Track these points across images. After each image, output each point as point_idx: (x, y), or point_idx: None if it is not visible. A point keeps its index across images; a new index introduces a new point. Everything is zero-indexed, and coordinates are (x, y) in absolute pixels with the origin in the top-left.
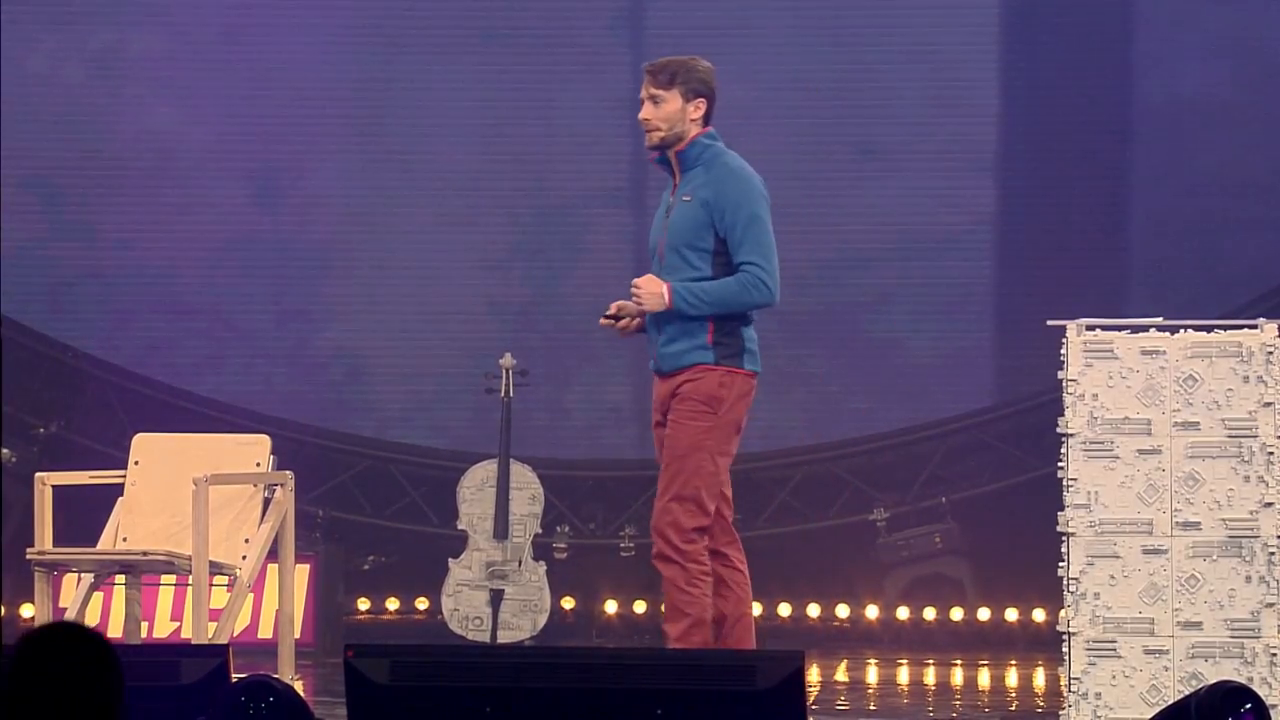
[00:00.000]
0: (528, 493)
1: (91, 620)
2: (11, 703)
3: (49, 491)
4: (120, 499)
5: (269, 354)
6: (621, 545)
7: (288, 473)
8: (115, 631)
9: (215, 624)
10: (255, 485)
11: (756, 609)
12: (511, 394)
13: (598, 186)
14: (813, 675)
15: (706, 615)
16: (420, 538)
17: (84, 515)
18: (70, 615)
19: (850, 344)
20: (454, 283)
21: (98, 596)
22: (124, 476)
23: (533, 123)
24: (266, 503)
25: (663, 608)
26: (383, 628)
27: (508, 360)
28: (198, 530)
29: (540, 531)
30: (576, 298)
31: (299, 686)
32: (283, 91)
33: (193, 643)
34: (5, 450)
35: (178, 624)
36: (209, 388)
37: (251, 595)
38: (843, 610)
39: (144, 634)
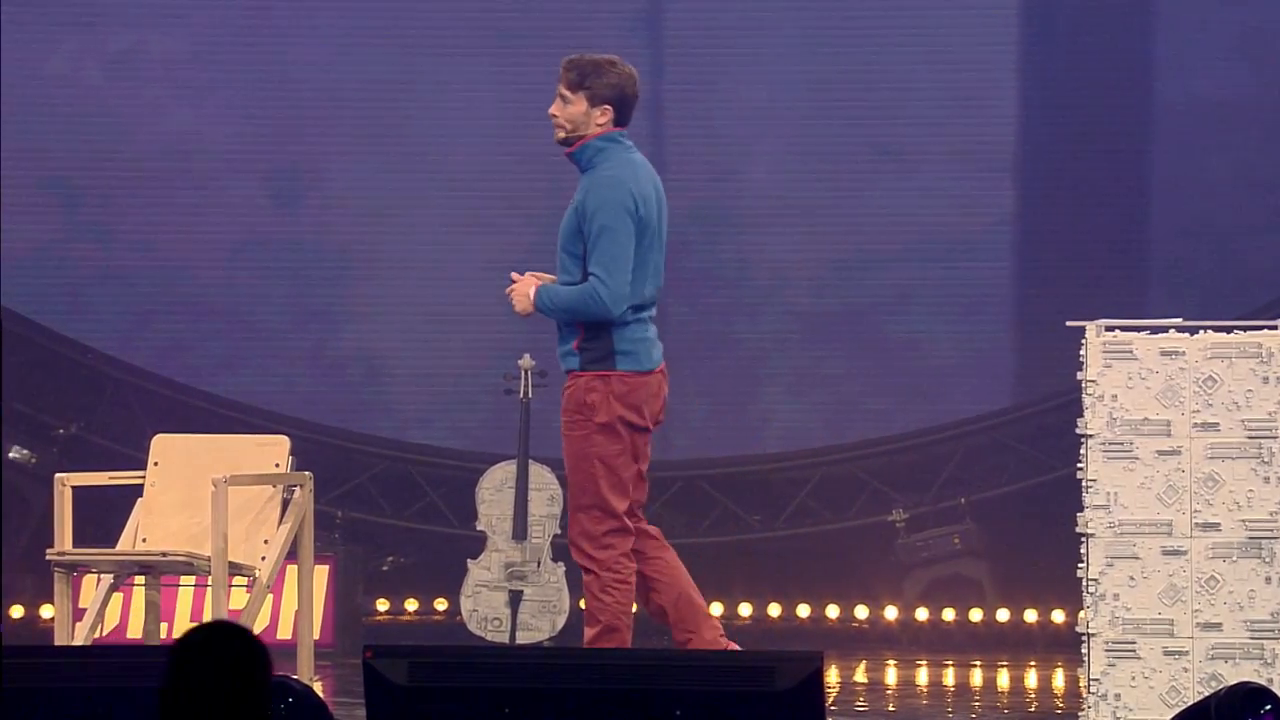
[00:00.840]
0: (547, 494)
1: (111, 621)
2: (173, 696)
3: (68, 492)
4: (139, 500)
5: (288, 355)
6: None
7: (307, 474)
8: (135, 632)
9: None
10: (274, 486)
11: (775, 609)
12: (530, 395)
13: None
14: (832, 676)
15: (619, 622)
16: (439, 538)
17: (103, 516)
18: (89, 616)
19: (869, 345)
20: (473, 283)
21: (117, 597)
22: (143, 477)
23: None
24: (286, 503)
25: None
26: (401, 628)
27: (527, 361)
28: (217, 531)
29: (559, 532)
30: None
31: (318, 687)
32: (301, 92)
33: None
34: (25, 451)
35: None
36: (228, 388)
37: (271, 596)
38: (861, 611)
39: (163, 635)
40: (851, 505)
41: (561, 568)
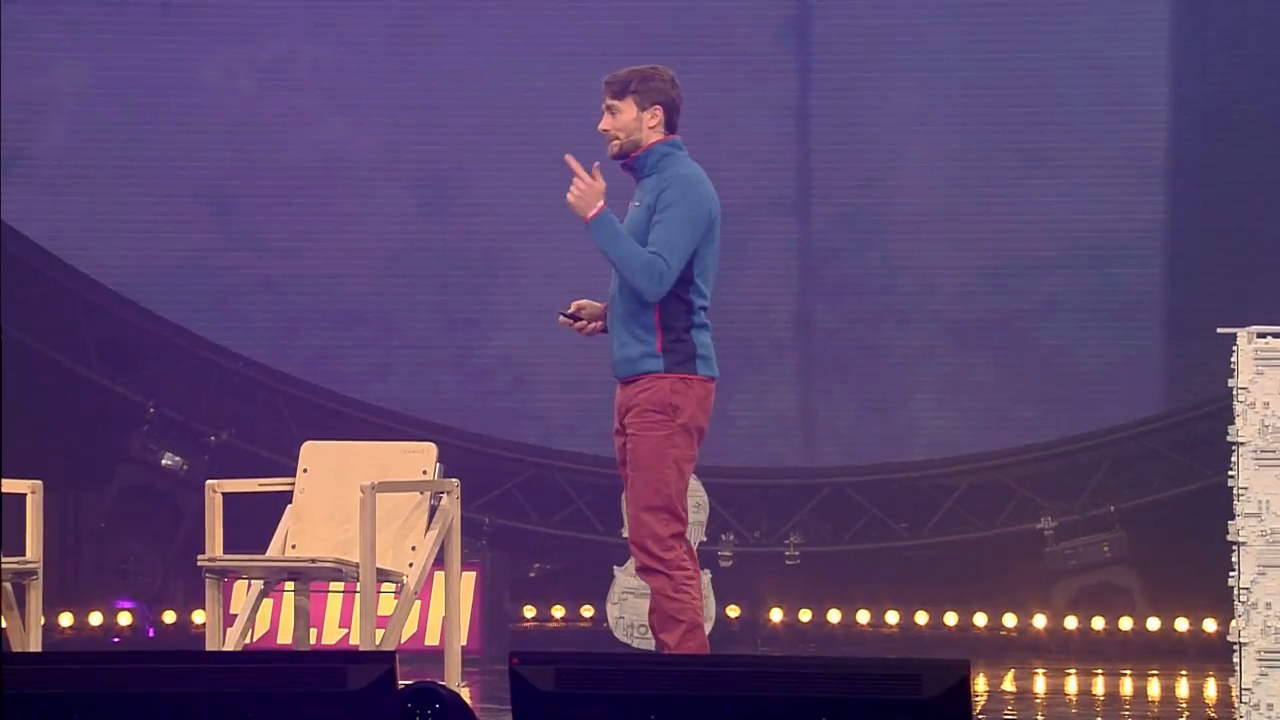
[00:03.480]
0: (692, 500)
1: (261, 627)
2: None
3: (219, 499)
4: (289, 506)
5: (436, 362)
6: (787, 553)
7: (454, 480)
8: (284, 638)
9: (382, 631)
10: (422, 493)
11: (922, 617)
12: None
13: (763, 194)
14: (979, 685)
15: (699, 618)
16: (585, 545)
17: (254, 522)
18: (240, 622)
19: (1017, 352)
20: None
21: (267, 603)
22: (293, 484)
23: (698, 131)
24: (433, 510)
25: (651, 616)
26: (548, 635)
27: None
28: (365, 537)
29: (705, 539)
30: (741, 305)
31: (465, 693)
32: (450, 101)
33: (360, 649)
34: (177, 458)
35: (345, 630)
36: (376, 395)
37: (418, 602)
38: (1010, 619)
39: (312, 640)
40: (1000, 513)
41: (707, 575)
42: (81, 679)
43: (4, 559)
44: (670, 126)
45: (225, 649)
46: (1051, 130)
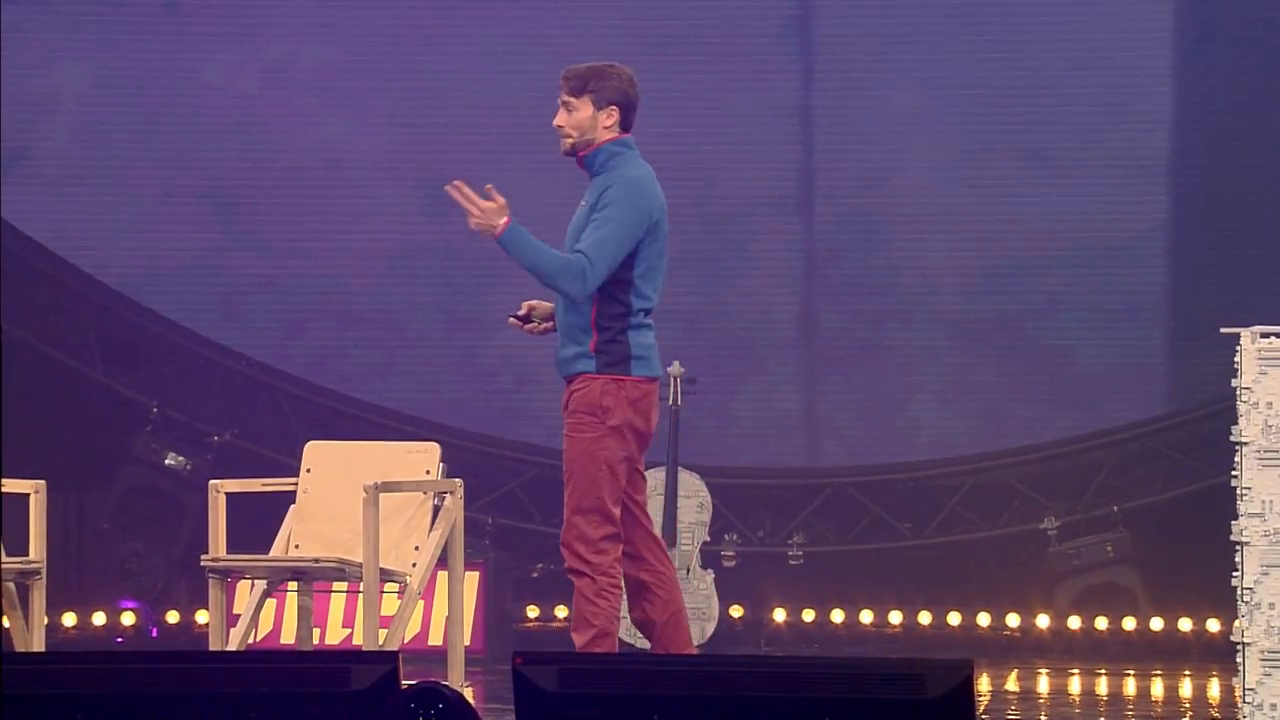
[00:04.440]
0: (695, 500)
1: (264, 627)
2: None
3: (222, 499)
4: (292, 506)
5: (438, 361)
6: (790, 554)
7: (457, 480)
8: (288, 638)
9: (386, 631)
10: (425, 493)
11: (926, 618)
12: (679, 402)
13: (765, 194)
14: (983, 685)
15: (611, 627)
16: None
17: (257, 522)
18: (243, 622)
19: (1020, 351)
20: None
21: (270, 603)
22: (296, 484)
23: (700, 130)
24: (436, 510)
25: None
26: (552, 635)
27: (676, 368)
28: (368, 537)
29: (708, 539)
30: (744, 305)
31: (468, 693)
32: (453, 101)
33: (363, 649)
34: (180, 458)
35: (349, 631)
36: (379, 395)
37: (421, 602)
38: (1013, 619)
39: (315, 640)
40: (1003, 513)
41: (710, 575)
42: (85, 679)
43: (7, 559)
44: (625, 126)
45: (228, 649)
46: (1054, 130)
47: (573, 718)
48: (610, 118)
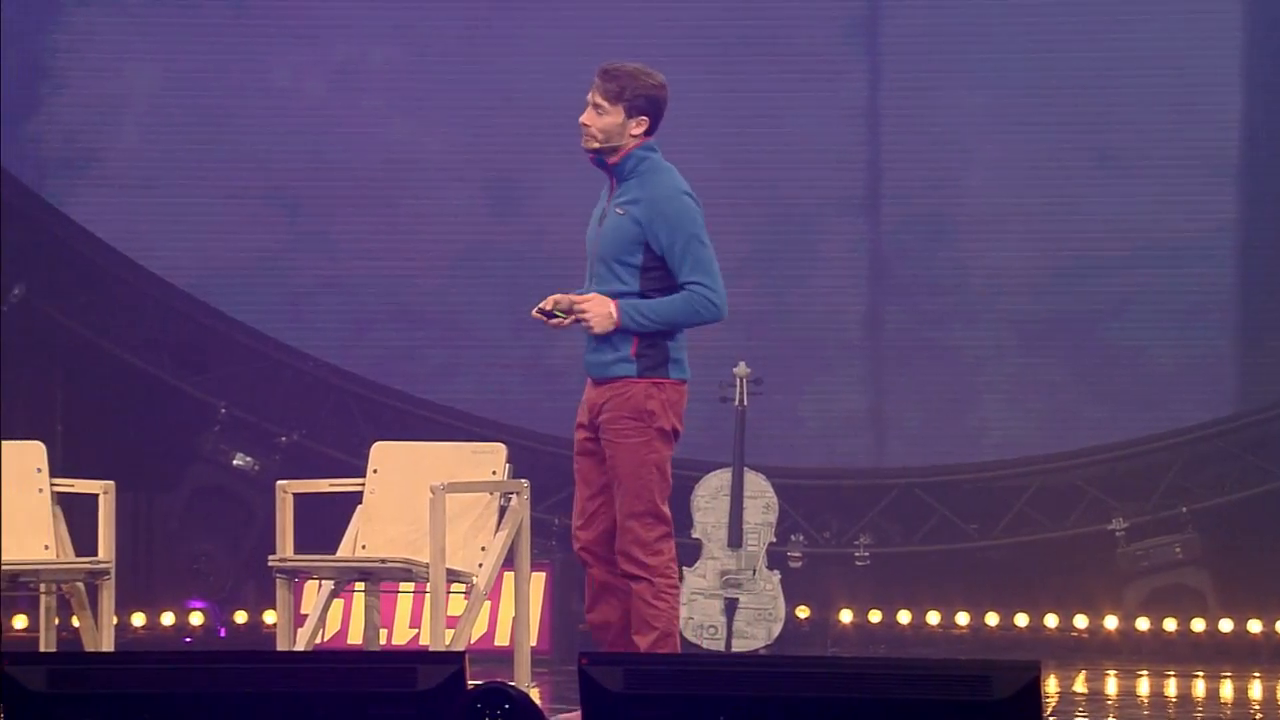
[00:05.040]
0: (762, 501)
1: (331, 627)
2: None
3: (290, 499)
4: (359, 507)
5: (505, 362)
6: (856, 554)
7: (524, 481)
8: (355, 638)
9: (452, 631)
10: (491, 493)
11: (993, 619)
12: (746, 402)
13: (832, 194)
14: (1050, 686)
15: (673, 627)
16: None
17: (324, 523)
18: (310, 622)
19: (1088, 352)
20: None
21: (338, 603)
22: (363, 484)
23: (767, 131)
24: (502, 511)
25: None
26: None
27: (742, 369)
28: (435, 538)
29: (774, 540)
30: (811, 306)
31: (534, 694)
32: (520, 102)
33: (430, 649)
34: (248, 459)
35: (415, 631)
36: (446, 396)
37: (488, 603)
38: (1081, 620)
39: (382, 641)
40: (1070, 514)
41: (777, 575)
42: (153, 679)
43: (77, 559)
44: (652, 132)
45: (296, 649)
46: (1122, 129)
47: (638, 718)
48: (640, 127)
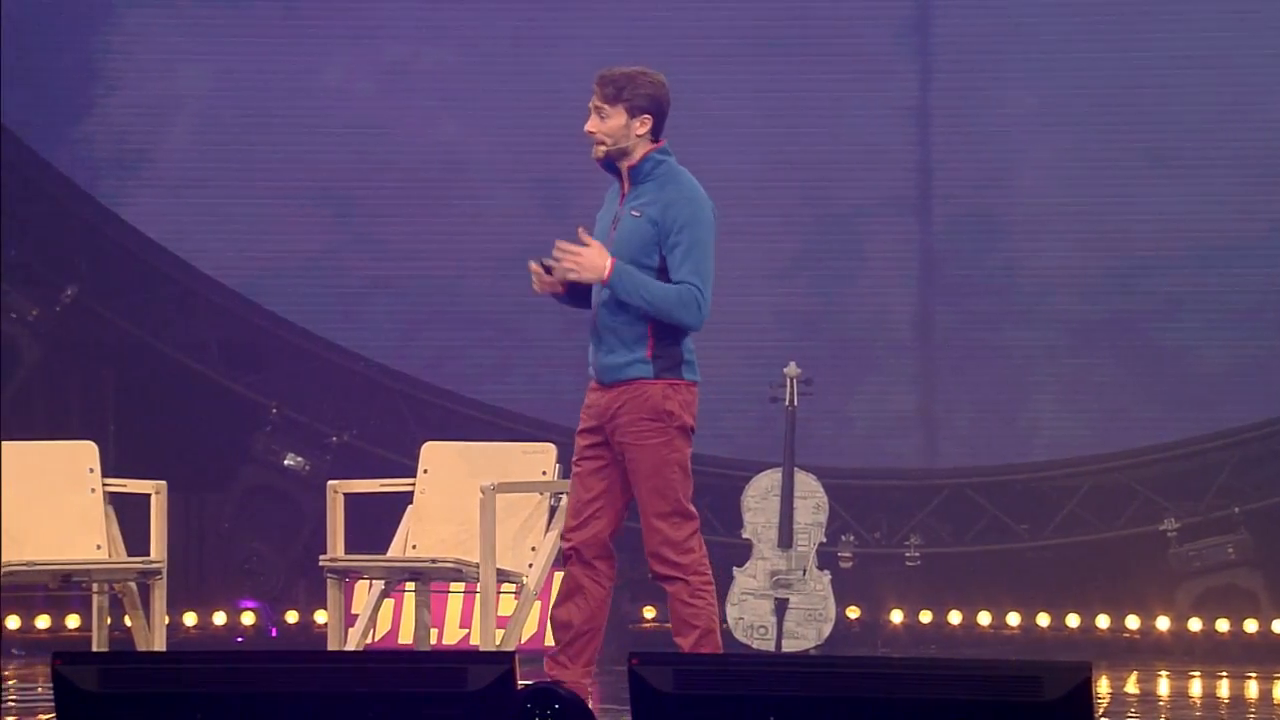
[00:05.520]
0: (812, 501)
1: (382, 627)
2: None
3: (341, 499)
4: (410, 507)
5: (555, 362)
6: (907, 555)
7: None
8: (405, 638)
9: (502, 631)
10: (541, 493)
11: (1044, 619)
12: (796, 402)
13: (882, 195)
14: (1102, 687)
15: (714, 624)
16: (705, 546)
17: (375, 523)
18: (361, 622)
19: (1140, 352)
20: (738, 292)
21: (388, 603)
22: (413, 484)
23: (817, 131)
24: (552, 510)
25: (668, 622)
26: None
27: (792, 369)
28: (485, 538)
29: (825, 540)
30: (860, 306)
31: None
32: (570, 101)
33: (480, 649)
34: (299, 459)
35: (466, 631)
36: (496, 396)
37: (538, 602)
38: (1133, 621)
39: (432, 641)
40: (1122, 514)
41: (827, 576)
42: (205, 678)
43: (129, 559)
44: (657, 133)
45: (346, 649)
46: (1174, 129)
47: (689, 718)
48: (644, 126)
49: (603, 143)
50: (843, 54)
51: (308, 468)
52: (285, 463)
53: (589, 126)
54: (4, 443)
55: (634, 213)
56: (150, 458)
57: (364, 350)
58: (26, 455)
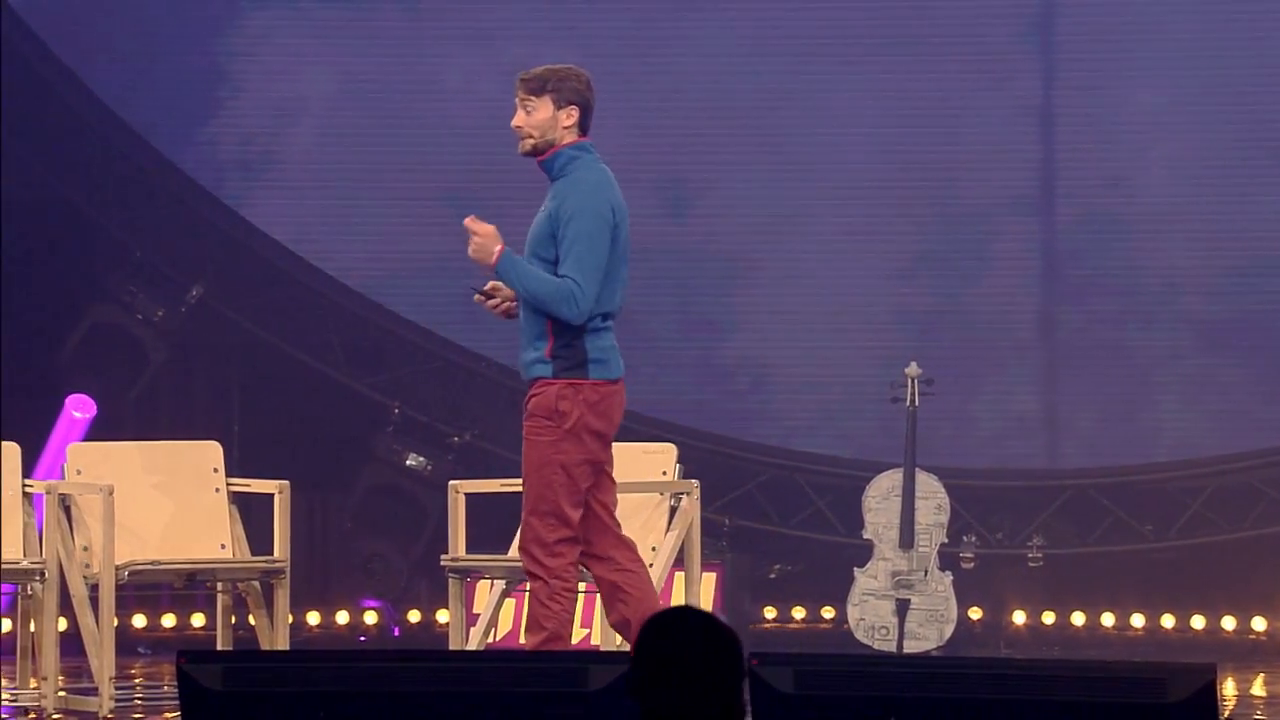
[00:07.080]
0: (933, 502)
1: (504, 627)
2: (647, 681)
3: (462, 499)
4: None
5: (676, 363)
6: (1030, 555)
7: (694, 481)
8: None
9: None
10: (662, 494)
11: (1169, 620)
12: (917, 403)
13: (1005, 194)
14: (1227, 689)
15: (564, 630)
16: (826, 547)
17: (496, 522)
18: (482, 621)
19: (1265, 351)
20: (859, 291)
21: (510, 603)
22: None
23: (939, 130)
24: (672, 511)
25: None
26: (789, 636)
27: (913, 369)
28: None
29: (946, 541)
30: (983, 306)
31: None
32: (691, 102)
33: (600, 650)
34: (421, 459)
35: (586, 631)
36: None
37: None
38: (1259, 623)
39: None
40: (1247, 515)
41: (949, 576)
42: (328, 677)
43: (253, 558)
44: (584, 128)
45: (468, 648)
46: None
47: (809, 717)
48: (570, 118)
49: (530, 136)
50: (966, 53)
51: (429, 467)
52: (407, 462)
53: (515, 121)
54: (131, 442)
55: (542, 208)
56: (274, 458)
57: (485, 350)
58: (152, 455)
